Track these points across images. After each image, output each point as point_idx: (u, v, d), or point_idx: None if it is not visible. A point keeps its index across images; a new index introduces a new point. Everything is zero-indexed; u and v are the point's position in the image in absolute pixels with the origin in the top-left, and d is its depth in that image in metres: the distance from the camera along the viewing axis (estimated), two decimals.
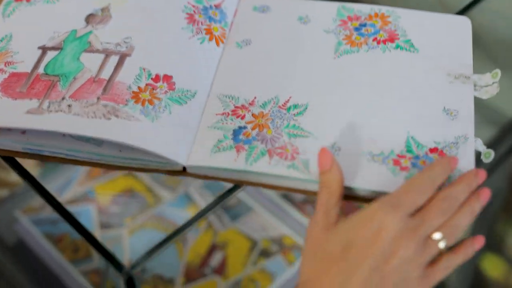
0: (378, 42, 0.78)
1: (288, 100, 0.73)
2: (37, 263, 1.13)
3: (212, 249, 1.14)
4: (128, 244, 1.13)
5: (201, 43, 0.77)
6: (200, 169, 0.68)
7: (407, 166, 0.67)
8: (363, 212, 0.60)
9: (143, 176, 1.21)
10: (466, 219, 0.62)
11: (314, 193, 0.67)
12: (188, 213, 1.15)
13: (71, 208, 1.15)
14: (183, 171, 0.69)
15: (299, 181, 0.67)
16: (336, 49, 0.77)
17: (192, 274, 1.11)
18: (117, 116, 0.68)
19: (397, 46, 0.77)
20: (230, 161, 0.67)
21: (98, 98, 0.69)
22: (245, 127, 0.70)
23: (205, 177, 0.69)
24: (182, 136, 0.69)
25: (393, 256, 0.58)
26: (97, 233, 1.13)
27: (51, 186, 1.18)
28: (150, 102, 0.70)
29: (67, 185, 1.20)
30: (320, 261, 0.60)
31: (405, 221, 0.59)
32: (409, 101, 0.72)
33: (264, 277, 1.10)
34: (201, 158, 0.68)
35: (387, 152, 0.68)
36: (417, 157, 0.68)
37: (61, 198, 1.15)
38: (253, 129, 0.70)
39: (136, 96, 0.70)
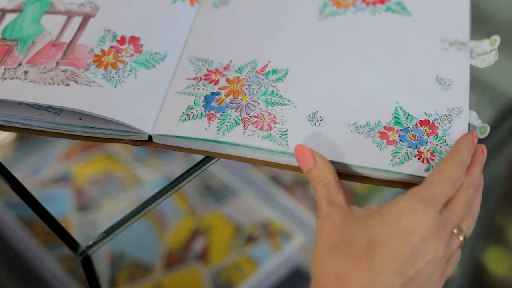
0: (367, 4, 0.71)
1: (267, 64, 0.66)
2: (8, 248, 1.06)
3: (195, 234, 1.07)
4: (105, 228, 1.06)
5: (173, 2, 0.70)
6: (167, 138, 0.62)
7: (394, 139, 0.61)
8: (391, 206, 0.53)
9: (123, 157, 1.15)
10: (479, 206, 0.56)
11: (292, 168, 0.61)
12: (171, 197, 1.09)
13: (46, 190, 1.09)
14: (149, 140, 0.62)
15: (276, 153, 0.60)
16: (321, 10, 0.71)
17: (173, 260, 1.05)
18: (76, 81, 0.62)
19: (388, 9, 0.71)
20: (200, 130, 0.61)
21: (57, 63, 0.63)
22: (218, 93, 0.64)
23: (172, 148, 0.62)
24: (148, 102, 0.62)
25: (421, 259, 0.52)
26: (74, 216, 1.07)
27: (26, 166, 1.12)
28: (114, 66, 0.64)
29: (43, 165, 1.14)
30: (341, 257, 0.52)
31: (436, 219, 0.52)
32: (398, 69, 0.66)
33: (249, 264, 1.04)
34: (168, 127, 0.61)
35: (373, 123, 0.62)
36: (406, 129, 0.62)
37: (36, 179, 1.09)
38: (226, 95, 0.64)
39: (98, 60, 0.64)
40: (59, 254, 1.05)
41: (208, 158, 0.63)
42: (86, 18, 0.67)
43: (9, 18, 0.68)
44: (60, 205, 1.07)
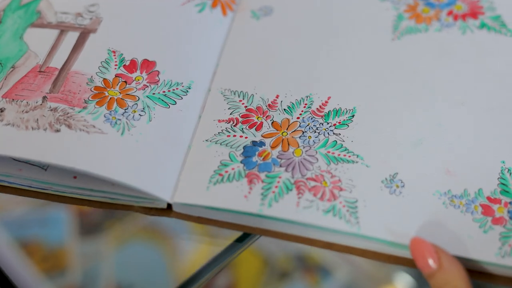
0: (455, 18, 0.54)
1: (327, 102, 0.50)
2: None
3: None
4: (113, 260, 0.91)
5: (199, 11, 0.53)
6: (192, 208, 0.45)
7: (502, 216, 0.45)
8: None
9: None
10: None
11: (366, 254, 0.44)
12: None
13: (42, 212, 0.92)
14: (168, 209, 0.45)
15: (342, 235, 0.43)
16: (395, 26, 0.53)
17: None
18: (69, 126, 0.45)
19: (483, 25, 0.54)
20: (238, 198, 0.44)
21: (44, 98, 0.47)
22: (262, 143, 0.47)
23: (199, 220, 0.46)
24: (166, 156, 0.46)
25: None
26: (73, 244, 0.91)
27: None
28: (121, 103, 0.47)
29: None
30: None
31: None
32: (502, 113, 0.49)
33: None
34: (195, 193, 0.45)
35: (472, 192, 0.45)
36: None
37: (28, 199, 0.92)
38: (273, 146, 0.47)
39: (100, 95, 0.47)
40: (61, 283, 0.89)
41: (247, 235, 0.46)
42: (84, 34, 0.51)
43: None
44: (57, 230, 0.91)
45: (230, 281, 0.91)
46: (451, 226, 0.44)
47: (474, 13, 0.54)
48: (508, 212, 0.45)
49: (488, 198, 0.45)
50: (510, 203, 0.45)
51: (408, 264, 0.44)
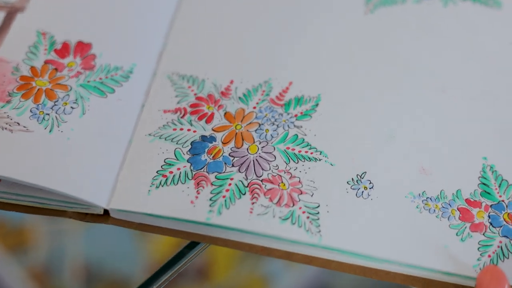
0: None
1: (287, 88, 0.44)
2: None
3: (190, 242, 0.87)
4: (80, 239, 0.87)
5: None
6: (132, 215, 0.40)
7: (482, 222, 0.41)
8: None
9: None
10: None
11: (325, 264, 0.39)
12: None
13: None
14: (105, 215, 0.40)
15: (302, 245, 0.38)
16: None
17: None
18: None
19: None
20: (184, 205, 0.40)
21: None
22: (212, 139, 0.42)
23: (140, 227, 0.41)
24: (102, 155, 0.41)
25: None
26: (37, 223, 0.87)
27: None
28: (50, 94, 0.42)
29: None
30: None
31: None
32: (485, 100, 0.45)
33: (260, 283, 0.86)
34: (134, 198, 0.40)
35: (450, 193, 0.41)
36: (499, 205, 0.41)
37: None
38: (225, 142, 0.42)
39: (26, 86, 0.42)
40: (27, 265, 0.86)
41: (194, 243, 0.41)
42: (10, 14, 0.45)
43: None
44: None
45: (204, 258, 0.87)
46: (425, 234, 0.40)
47: None
48: (489, 217, 0.41)
49: (467, 201, 0.41)
50: (491, 206, 0.41)
51: (375, 276, 0.40)
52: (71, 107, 0.42)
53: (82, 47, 0.44)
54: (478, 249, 0.40)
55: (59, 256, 0.87)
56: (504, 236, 0.40)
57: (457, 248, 0.40)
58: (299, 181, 0.41)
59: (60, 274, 0.87)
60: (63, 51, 0.44)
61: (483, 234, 0.40)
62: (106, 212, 0.41)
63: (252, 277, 0.88)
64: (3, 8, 0.45)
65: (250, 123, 0.43)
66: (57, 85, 0.43)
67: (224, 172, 0.41)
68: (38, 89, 0.42)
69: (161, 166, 0.41)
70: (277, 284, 0.87)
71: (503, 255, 0.40)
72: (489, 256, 0.39)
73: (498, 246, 0.40)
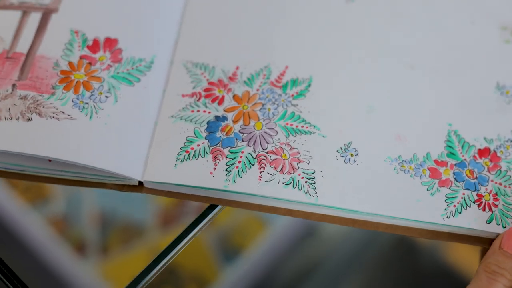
0: None
1: (284, 72, 0.52)
2: None
3: None
4: None
5: None
6: (162, 185, 0.48)
7: (448, 178, 0.48)
8: None
9: None
10: None
11: (323, 218, 0.48)
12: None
13: None
14: (140, 185, 0.49)
15: (302, 204, 0.47)
16: None
17: (169, 219, 0.93)
18: (40, 114, 0.48)
19: None
20: (205, 175, 0.48)
21: (13, 86, 0.49)
22: (224, 118, 0.50)
23: (169, 194, 0.49)
24: (134, 136, 0.49)
25: None
26: None
27: None
28: (87, 86, 0.49)
29: None
30: None
31: None
32: (448, 73, 0.52)
33: (257, 224, 0.93)
34: (163, 171, 0.48)
35: (421, 156, 0.49)
36: (462, 164, 0.49)
37: None
38: (235, 121, 0.50)
39: (66, 79, 0.50)
40: (47, 214, 0.93)
41: (213, 205, 0.50)
42: (46, 15, 0.52)
43: None
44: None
45: None
46: (402, 190, 0.48)
47: None
48: (454, 173, 0.49)
49: (436, 161, 0.49)
50: (455, 165, 0.49)
51: (363, 226, 0.48)
52: (106, 96, 0.50)
53: (110, 43, 0.52)
54: (445, 201, 0.48)
55: (76, 205, 0.95)
56: (467, 189, 0.49)
57: (428, 201, 0.48)
58: (298, 152, 0.49)
59: (77, 221, 0.96)
60: (94, 47, 0.51)
61: (449, 188, 0.48)
62: (140, 183, 0.49)
63: (249, 219, 0.96)
64: (39, 9, 0.53)
65: (254, 103, 0.51)
66: (92, 77, 0.50)
67: (235, 146, 0.49)
68: (77, 82, 0.50)
69: (184, 143, 0.49)
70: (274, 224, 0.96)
71: (466, 204, 0.48)
72: (454, 206, 0.48)
73: (462, 197, 0.48)
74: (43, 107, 0.48)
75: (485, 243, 0.48)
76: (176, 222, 0.94)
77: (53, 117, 0.48)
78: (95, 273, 0.92)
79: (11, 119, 0.47)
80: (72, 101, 0.49)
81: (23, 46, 0.51)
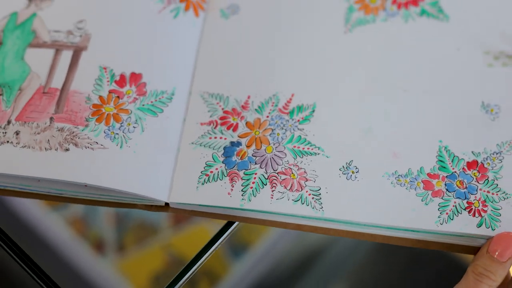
0: (399, 6, 0.62)
1: (290, 99, 0.58)
2: (9, 212, 1.01)
3: None
4: None
5: (174, 16, 0.61)
6: (185, 205, 0.55)
7: (440, 189, 0.54)
8: None
9: None
10: None
11: (326, 231, 0.55)
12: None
13: None
14: (166, 206, 0.55)
15: (309, 219, 0.54)
16: (347, 18, 0.61)
17: (181, 218, 1.00)
18: (76, 144, 0.54)
19: (423, 12, 0.61)
20: (223, 195, 0.54)
21: (51, 119, 0.55)
22: (239, 143, 0.56)
23: (192, 213, 0.56)
24: (160, 162, 0.55)
25: None
26: None
27: None
28: (116, 118, 0.56)
29: None
30: None
31: None
32: (438, 95, 0.58)
33: None
34: (187, 193, 0.55)
35: (415, 170, 0.55)
36: (452, 175, 0.55)
37: None
38: (248, 145, 0.56)
39: (98, 112, 0.56)
40: (67, 215, 1.00)
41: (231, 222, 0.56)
42: (77, 52, 0.58)
43: None
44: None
45: None
46: (398, 202, 0.54)
47: (415, 0, 0.62)
48: (445, 185, 0.55)
49: (428, 175, 0.55)
50: (447, 177, 0.55)
51: (363, 238, 0.55)
52: (133, 126, 0.56)
53: (135, 77, 0.58)
54: (438, 209, 0.53)
55: (93, 207, 1.02)
56: (457, 198, 0.54)
57: (422, 210, 0.53)
58: (305, 171, 0.56)
59: (95, 222, 1.03)
60: (121, 81, 0.58)
61: (442, 198, 0.54)
62: (166, 204, 0.56)
63: None
64: (70, 48, 0.59)
65: (265, 129, 0.57)
66: (121, 109, 0.57)
67: (249, 169, 0.56)
68: (107, 114, 0.56)
69: (204, 167, 0.56)
70: None
71: (457, 211, 0.54)
72: (447, 213, 0.53)
73: (453, 206, 0.54)
74: (79, 138, 0.54)
75: (471, 251, 0.54)
76: (186, 221, 1.01)
77: (88, 147, 0.54)
78: (113, 270, 0.98)
79: (50, 149, 0.54)
80: (104, 132, 0.55)
81: (57, 82, 0.57)
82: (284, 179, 0.54)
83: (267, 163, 0.55)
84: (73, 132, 0.54)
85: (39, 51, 0.58)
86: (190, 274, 0.54)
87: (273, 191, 0.54)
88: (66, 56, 0.58)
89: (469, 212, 0.53)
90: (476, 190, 0.54)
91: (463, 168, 0.55)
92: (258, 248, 1.00)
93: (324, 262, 1.02)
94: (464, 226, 0.53)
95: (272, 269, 1.02)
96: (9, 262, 0.96)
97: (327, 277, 1.02)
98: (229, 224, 0.56)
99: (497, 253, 0.52)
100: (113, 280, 0.97)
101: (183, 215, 0.99)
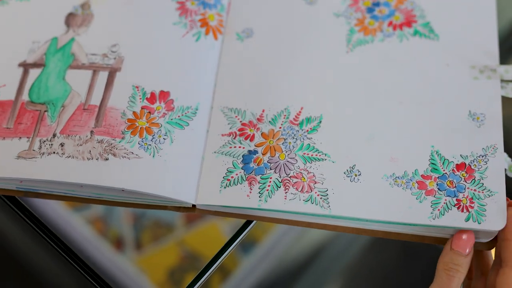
0: (394, 28, 0.69)
1: (300, 112, 0.66)
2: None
3: None
4: None
5: (196, 40, 0.68)
6: (210, 207, 0.63)
7: (432, 188, 0.62)
8: None
9: None
10: None
11: (334, 228, 0.63)
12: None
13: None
14: (193, 207, 0.63)
15: (318, 217, 0.62)
16: (349, 39, 0.69)
17: (193, 216, 1.08)
18: (114, 154, 0.62)
19: (416, 32, 0.69)
20: (243, 198, 0.62)
21: (91, 132, 0.63)
22: (255, 152, 0.64)
23: (215, 213, 0.64)
24: (187, 169, 0.63)
25: None
26: None
27: None
28: (148, 131, 0.63)
29: None
30: None
31: None
32: (430, 107, 0.65)
33: None
34: (211, 196, 0.62)
35: (410, 172, 0.62)
36: (443, 176, 0.62)
37: None
38: (264, 153, 0.64)
39: (132, 126, 0.63)
40: (88, 215, 1.07)
41: (249, 221, 0.64)
42: (112, 73, 0.66)
43: (32, 74, 0.66)
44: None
45: None
46: (396, 200, 0.61)
47: (408, 22, 0.70)
48: (437, 184, 0.62)
49: (422, 176, 0.62)
50: (438, 177, 0.62)
51: (365, 233, 0.63)
52: (163, 138, 0.64)
53: (164, 95, 0.66)
54: (430, 206, 0.60)
55: (111, 207, 1.09)
56: (448, 196, 0.61)
57: (417, 207, 0.60)
58: (313, 175, 0.64)
59: (114, 222, 1.11)
60: (152, 99, 0.66)
61: (434, 196, 0.61)
62: (193, 205, 0.63)
63: None
64: (106, 69, 0.66)
65: (278, 138, 0.65)
66: (152, 123, 0.65)
67: (265, 174, 0.64)
68: (141, 128, 0.64)
69: (225, 173, 0.64)
70: None
71: (448, 208, 0.60)
72: (438, 210, 0.60)
73: (444, 203, 0.60)
74: (116, 149, 0.62)
75: None
76: (198, 220, 1.09)
77: (125, 157, 0.62)
78: (131, 265, 1.06)
79: (92, 159, 0.62)
80: (138, 143, 0.63)
81: (96, 99, 0.65)
82: (295, 182, 0.62)
83: (280, 168, 0.63)
84: (111, 144, 0.62)
85: (79, 72, 0.66)
86: (212, 271, 0.62)
87: (286, 192, 0.62)
88: (102, 77, 0.65)
89: (458, 208, 0.61)
90: (464, 189, 0.62)
91: (453, 169, 0.63)
92: (264, 244, 1.08)
93: (324, 256, 1.10)
94: (454, 220, 0.60)
95: (277, 263, 1.10)
96: (37, 258, 1.04)
97: (327, 270, 1.09)
98: (244, 226, 0.64)
99: (460, 248, 0.59)
100: (131, 274, 1.05)
101: (195, 214, 1.07)
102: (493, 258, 0.62)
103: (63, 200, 0.64)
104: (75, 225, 1.06)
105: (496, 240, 0.61)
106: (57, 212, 1.06)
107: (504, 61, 0.73)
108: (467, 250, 0.59)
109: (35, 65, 0.66)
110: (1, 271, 1.05)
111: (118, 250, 1.06)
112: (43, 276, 1.04)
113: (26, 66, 0.66)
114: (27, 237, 1.06)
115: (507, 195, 0.61)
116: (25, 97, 0.65)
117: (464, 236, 0.59)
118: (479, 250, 0.62)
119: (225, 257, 0.63)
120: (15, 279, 1.05)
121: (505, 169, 0.63)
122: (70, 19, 0.68)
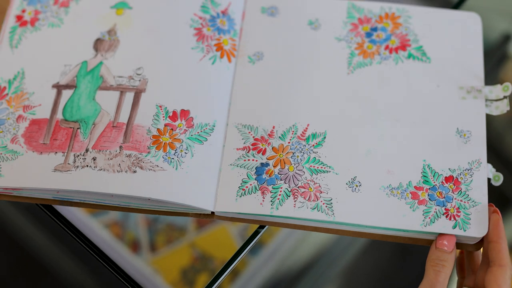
0: (390, 51, 0.77)
1: (306, 128, 0.73)
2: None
3: None
4: None
5: (212, 63, 0.76)
6: (227, 214, 0.70)
7: (424, 199, 0.69)
8: None
9: None
10: None
11: (337, 232, 0.70)
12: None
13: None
14: (212, 214, 0.71)
15: (323, 222, 0.69)
16: (349, 62, 0.76)
17: (203, 220, 1.16)
18: (141, 167, 0.69)
19: (410, 55, 0.76)
20: (256, 205, 0.69)
21: (120, 147, 0.70)
22: (267, 164, 0.71)
23: (232, 219, 0.71)
24: (207, 180, 0.70)
25: None
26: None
27: None
28: (171, 146, 0.71)
29: None
30: None
31: None
32: (423, 124, 0.72)
33: None
34: (228, 204, 0.69)
35: (405, 184, 0.70)
36: (434, 188, 0.69)
37: None
38: (275, 165, 0.71)
39: (157, 141, 0.71)
40: (105, 220, 1.15)
41: (261, 226, 0.72)
42: (137, 94, 0.73)
43: (65, 95, 0.73)
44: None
45: None
46: (392, 209, 0.68)
47: (403, 46, 0.77)
48: (428, 195, 0.70)
49: (415, 187, 0.70)
50: (429, 189, 0.70)
51: (365, 236, 0.70)
52: (185, 152, 0.72)
53: (184, 113, 0.73)
54: (422, 214, 0.68)
55: (127, 213, 1.17)
56: (437, 205, 0.68)
57: (411, 215, 0.68)
58: (319, 186, 0.71)
59: (130, 225, 1.18)
60: (174, 117, 0.73)
61: (425, 205, 0.68)
62: (212, 212, 0.71)
63: None
64: (132, 90, 0.74)
65: (287, 152, 0.73)
66: (174, 139, 0.72)
67: (276, 184, 0.71)
68: (164, 143, 0.72)
69: (240, 184, 0.71)
70: None
71: (437, 216, 0.68)
72: (429, 218, 0.67)
73: (434, 211, 0.68)
74: (143, 162, 0.70)
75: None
76: (209, 224, 1.17)
77: (151, 169, 0.70)
78: (147, 266, 1.14)
79: (121, 171, 0.69)
80: (162, 157, 0.70)
81: (123, 117, 0.72)
82: (303, 192, 0.70)
83: (290, 179, 0.71)
84: (138, 158, 0.70)
85: (107, 93, 0.73)
86: (230, 270, 0.70)
87: (295, 201, 0.70)
88: (129, 97, 0.73)
89: (446, 216, 0.68)
90: (452, 199, 0.69)
91: (442, 181, 0.70)
92: (270, 246, 1.15)
93: (325, 257, 1.17)
94: (443, 227, 0.68)
95: (281, 264, 1.17)
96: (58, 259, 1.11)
97: (327, 270, 1.16)
98: (261, 228, 0.71)
99: (444, 247, 0.66)
100: (147, 274, 1.12)
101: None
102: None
103: (95, 208, 0.72)
104: (94, 229, 1.13)
105: (482, 242, 0.68)
106: (78, 217, 1.14)
107: (495, 70, 0.79)
108: (451, 248, 0.66)
109: (67, 86, 0.74)
110: (30, 273, 1.12)
111: (134, 252, 1.13)
112: (63, 276, 1.11)
113: (59, 88, 0.74)
114: (51, 242, 1.13)
115: (496, 202, 0.68)
116: (59, 115, 0.72)
117: (446, 236, 0.67)
118: (470, 252, 0.70)
119: (238, 260, 0.70)
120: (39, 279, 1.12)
121: (490, 179, 0.70)
122: (98, 44, 0.76)
